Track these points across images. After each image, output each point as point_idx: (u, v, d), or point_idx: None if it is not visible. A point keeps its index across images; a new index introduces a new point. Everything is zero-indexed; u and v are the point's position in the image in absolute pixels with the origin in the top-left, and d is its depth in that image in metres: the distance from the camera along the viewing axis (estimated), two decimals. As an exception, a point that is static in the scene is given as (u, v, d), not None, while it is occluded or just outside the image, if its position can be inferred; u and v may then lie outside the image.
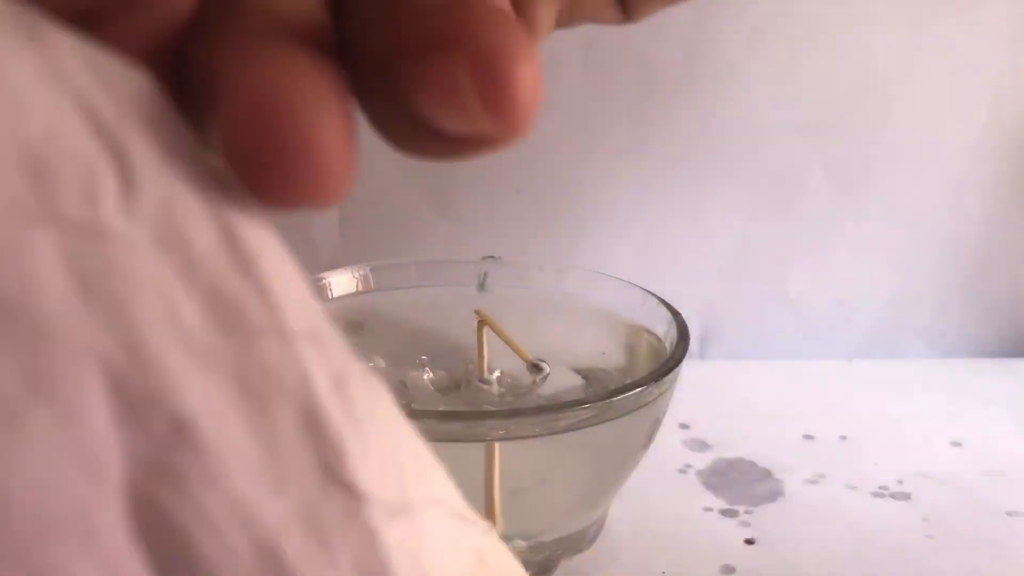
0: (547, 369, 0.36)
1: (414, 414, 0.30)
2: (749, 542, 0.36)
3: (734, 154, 0.49)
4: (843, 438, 0.43)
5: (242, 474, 0.12)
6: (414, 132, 0.14)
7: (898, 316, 0.52)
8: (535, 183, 0.49)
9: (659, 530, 0.36)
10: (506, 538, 0.31)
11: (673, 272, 0.50)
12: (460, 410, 0.35)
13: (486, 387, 0.37)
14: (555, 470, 0.31)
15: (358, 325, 0.39)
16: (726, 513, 0.37)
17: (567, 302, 0.39)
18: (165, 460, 0.11)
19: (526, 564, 0.32)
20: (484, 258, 0.40)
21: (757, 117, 0.48)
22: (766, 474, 0.40)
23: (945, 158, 0.50)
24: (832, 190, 0.49)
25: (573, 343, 0.38)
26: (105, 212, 0.11)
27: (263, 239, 0.13)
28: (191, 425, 0.11)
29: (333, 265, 0.48)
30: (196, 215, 0.12)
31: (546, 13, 0.17)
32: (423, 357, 0.38)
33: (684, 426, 0.44)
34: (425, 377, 0.37)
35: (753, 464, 0.41)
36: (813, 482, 0.40)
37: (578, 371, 0.37)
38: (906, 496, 0.39)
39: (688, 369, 0.33)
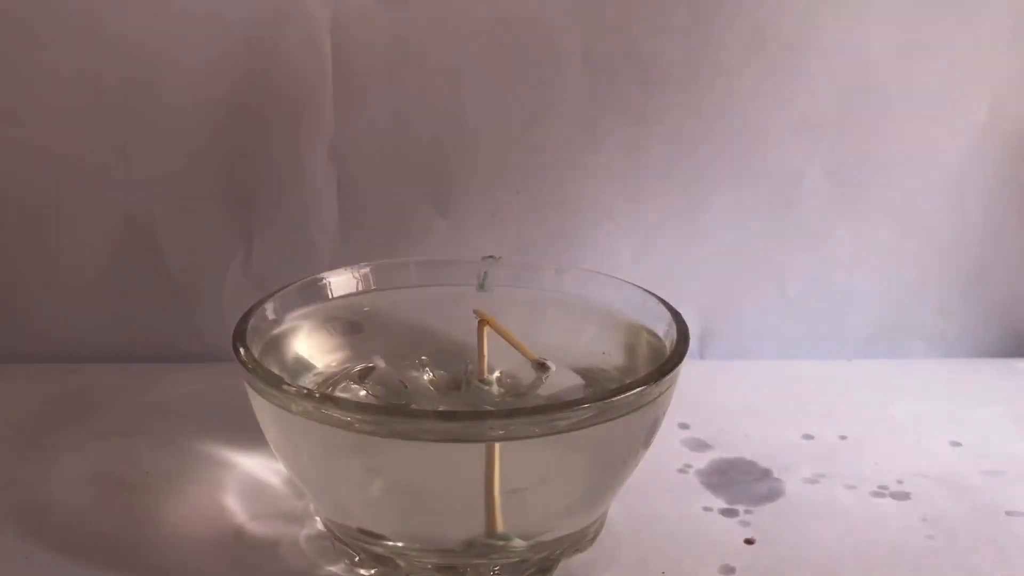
0: (553, 367, 0.36)
1: (414, 414, 0.30)
2: (749, 542, 0.36)
3: (734, 154, 0.49)
4: (843, 438, 0.43)
5: None
6: None
7: (898, 316, 0.52)
8: (535, 183, 0.49)
9: (659, 530, 0.36)
10: (506, 538, 0.31)
11: (673, 272, 0.50)
12: (460, 410, 0.35)
13: (486, 387, 0.37)
14: (555, 470, 0.31)
15: (358, 325, 0.39)
16: (726, 513, 0.37)
17: (567, 302, 0.39)
18: None
19: (526, 564, 0.32)
20: (484, 258, 0.40)
21: (757, 117, 0.48)
22: (766, 474, 0.40)
23: (945, 158, 0.50)
24: (832, 190, 0.49)
25: (573, 343, 0.38)
26: None
27: None
28: None
29: (333, 265, 0.48)
30: None
31: None
32: (423, 357, 0.38)
33: (684, 426, 0.44)
34: (425, 377, 0.37)
35: (753, 464, 0.41)
36: (813, 482, 0.40)
37: (578, 371, 0.37)
38: (906, 496, 0.39)
39: (688, 369, 0.33)
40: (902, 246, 0.51)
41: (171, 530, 0.36)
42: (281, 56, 0.46)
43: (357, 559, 0.33)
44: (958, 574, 0.34)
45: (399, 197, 0.49)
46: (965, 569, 0.34)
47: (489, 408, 0.35)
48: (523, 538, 0.31)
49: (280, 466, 0.37)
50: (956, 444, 0.43)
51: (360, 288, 0.39)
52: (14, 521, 0.36)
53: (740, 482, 0.40)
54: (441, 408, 0.36)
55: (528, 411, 0.30)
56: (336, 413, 0.29)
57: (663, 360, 0.32)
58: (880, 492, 0.39)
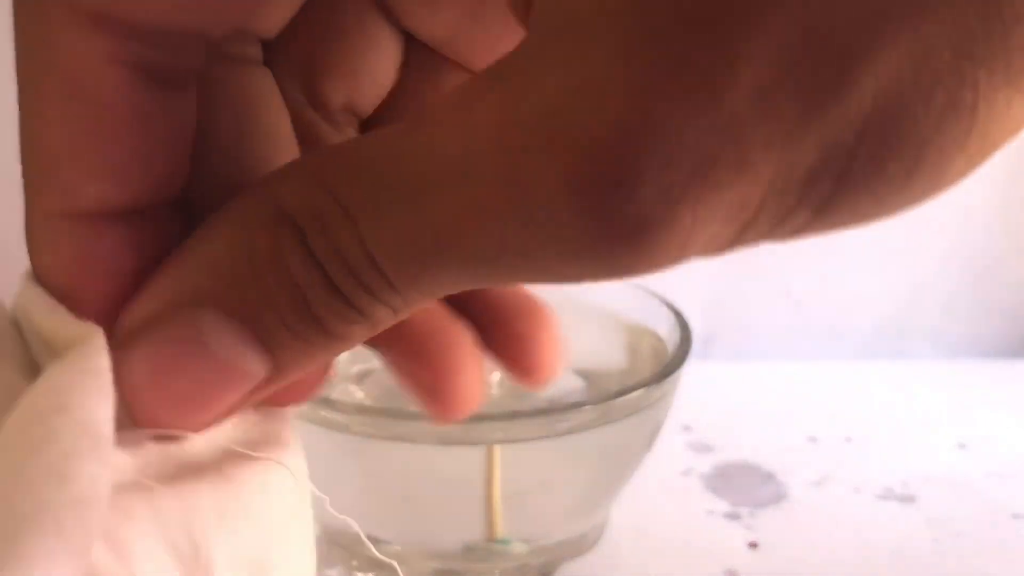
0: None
1: (414, 416, 0.30)
2: (752, 545, 0.35)
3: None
4: (847, 440, 0.43)
5: None
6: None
7: (903, 317, 0.52)
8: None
9: (661, 533, 0.36)
10: (506, 542, 0.31)
11: (675, 272, 0.49)
12: (460, 412, 0.35)
13: (486, 389, 0.36)
14: (556, 473, 0.31)
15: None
16: (729, 516, 0.37)
17: (567, 302, 0.39)
18: None
19: (527, 567, 0.32)
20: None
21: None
22: (769, 476, 0.40)
23: (950, 157, 0.49)
24: (836, 190, 0.49)
25: (574, 344, 0.37)
26: None
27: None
28: None
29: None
30: None
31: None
32: (423, 358, 0.37)
33: (686, 428, 0.43)
34: (425, 379, 0.37)
35: (756, 466, 0.41)
36: (817, 484, 0.39)
37: (579, 373, 0.36)
38: (911, 498, 0.39)
39: (690, 370, 0.32)
40: (907, 247, 0.51)
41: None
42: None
43: (355, 563, 0.32)
44: (965, 578, 0.34)
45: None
46: (971, 571, 0.34)
47: (489, 410, 0.35)
48: (524, 542, 0.31)
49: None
50: (962, 446, 0.43)
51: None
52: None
53: (743, 485, 0.39)
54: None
55: (529, 413, 0.29)
56: (334, 415, 0.29)
57: (665, 362, 0.32)
58: (885, 494, 0.39)
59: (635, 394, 0.30)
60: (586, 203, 0.12)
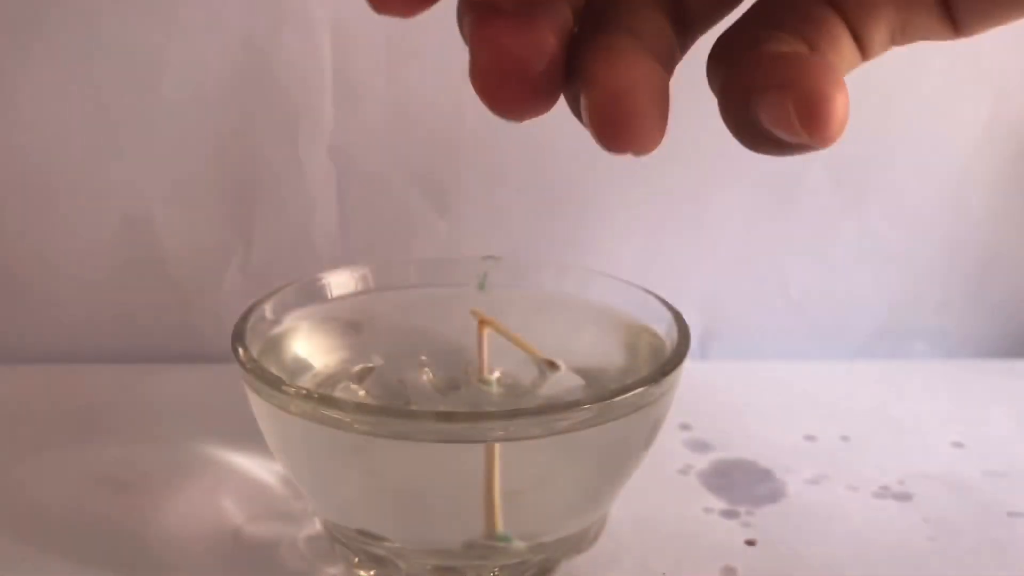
0: (563, 366, 0.36)
1: (414, 414, 0.30)
2: (750, 543, 0.36)
3: (735, 154, 0.48)
4: (845, 439, 0.43)
5: None
6: (760, 138, 0.20)
7: (900, 316, 0.52)
8: (535, 183, 0.49)
9: (660, 531, 0.36)
10: (506, 539, 0.31)
11: (674, 272, 0.50)
12: (460, 410, 0.35)
13: (486, 387, 0.37)
14: (555, 471, 0.31)
15: (357, 325, 0.39)
16: (727, 514, 0.37)
17: (567, 302, 0.39)
18: None
19: (526, 565, 0.32)
20: (484, 258, 0.40)
21: (758, 117, 0.48)
22: (767, 475, 0.40)
23: (947, 156, 0.49)
24: (833, 189, 0.49)
25: (573, 343, 0.38)
26: None
27: None
28: None
29: (333, 265, 0.48)
30: None
31: (878, 36, 0.22)
32: (423, 357, 0.38)
33: (685, 426, 0.44)
34: (425, 377, 0.37)
35: (754, 465, 0.41)
36: (814, 483, 0.40)
37: (578, 371, 0.36)
38: (908, 497, 0.39)
39: (689, 369, 0.33)
40: (904, 246, 0.51)
41: (169, 531, 0.36)
42: (281, 56, 0.46)
43: (356, 560, 0.33)
44: (960, 575, 0.34)
45: (399, 197, 0.48)
46: (967, 570, 0.34)
47: (489, 409, 0.35)
48: (523, 539, 0.31)
49: (279, 467, 0.37)
50: (959, 445, 0.43)
51: (360, 288, 0.39)
52: (13, 521, 0.36)
53: (741, 483, 0.39)
54: (441, 408, 0.36)
55: (528, 412, 0.30)
56: (335, 414, 0.29)
57: (664, 360, 0.32)
58: (882, 493, 0.39)
59: (634, 393, 0.30)
60: None
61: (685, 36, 0.24)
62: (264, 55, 0.46)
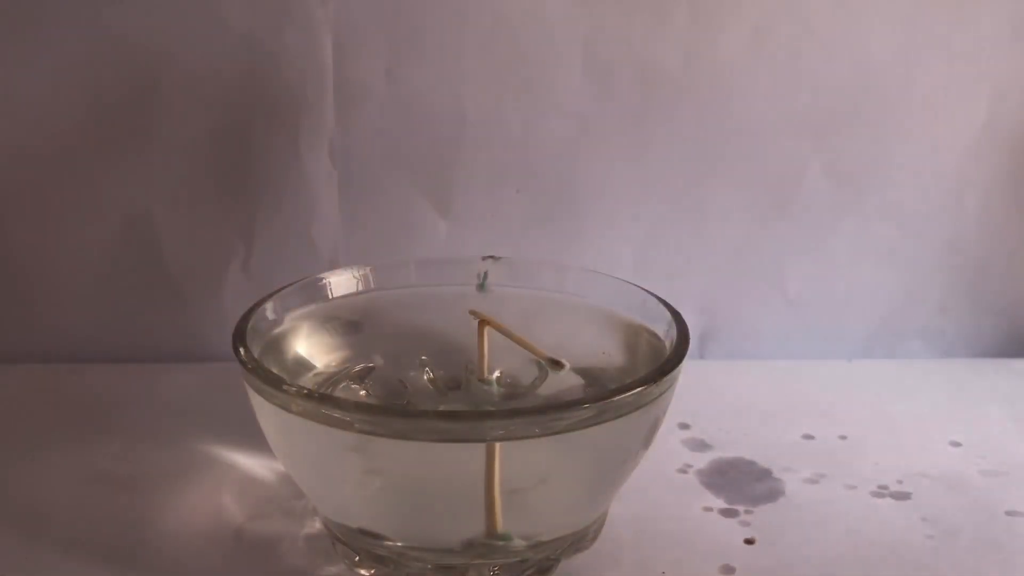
0: (568, 365, 0.36)
1: (414, 414, 0.30)
2: (749, 542, 0.36)
3: (734, 154, 0.49)
4: (843, 438, 0.43)
5: None
6: None
7: (898, 316, 0.52)
8: (535, 183, 0.49)
9: (659, 530, 0.36)
10: (506, 538, 0.31)
11: (673, 272, 0.50)
12: (460, 410, 0.35)
13: (486, 387, 0.37)
14: (555, 470, 0.31)
15: (358, 325, 0.39)
16: (726, 513, 0.37)
17: (567, 302, 0.39)
18: None
19: (526, 563, 0.32)
20: (484, 258, 0.40)
21: (757, 117, 0.48)
22: (766, 474, 0.40)
23: (945, 157, 0.50)
24: (832, 190, 0.49)
25: (573, 343, 0.38)
26: None
27: None
28: None
29: (333, 265, 0.48)
30: None
31: None
32: (423, 357, 0.38)
33: (684, 426, 0.44)
34: (425, 377, 0.37)
35: (753, 464, 0.41)
36: (813, 482, 0.40)
37: (578, 371, 0.37)
38: (906, 496, 0.39)
39: (688, 369, 0.33)
40: (902, 246, 0.51)
41: (170, 530, 0.36)
42: (281, 56, 0.46)
43: (357, 559, 0.33)
44: (958, 574, 0.34)
45: (399, 197, 0.49)
46: (965, 569, 0.34)
47: (489, 408, 0.35)
48: (523, 538, 0.31)
49: (279, 466, 0.37)
50: (956, 444, 0.43)
51: (360, 288, 0.39)
52: (14, 521, 0.36)
53: (740, 482, 0.40)
54: (441, 408, 0.36)
55: (528, 411, 0.30)
56: (336, 413, 0.29)
57: (663, 360, 0.32)
58: (880, 492, 0.39)
59: (633, 392, 0.30)
60: None
61: None
62: (265, 55, 0.46)
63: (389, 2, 0.46)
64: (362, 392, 0.36)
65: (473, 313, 0.37)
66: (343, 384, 0.36)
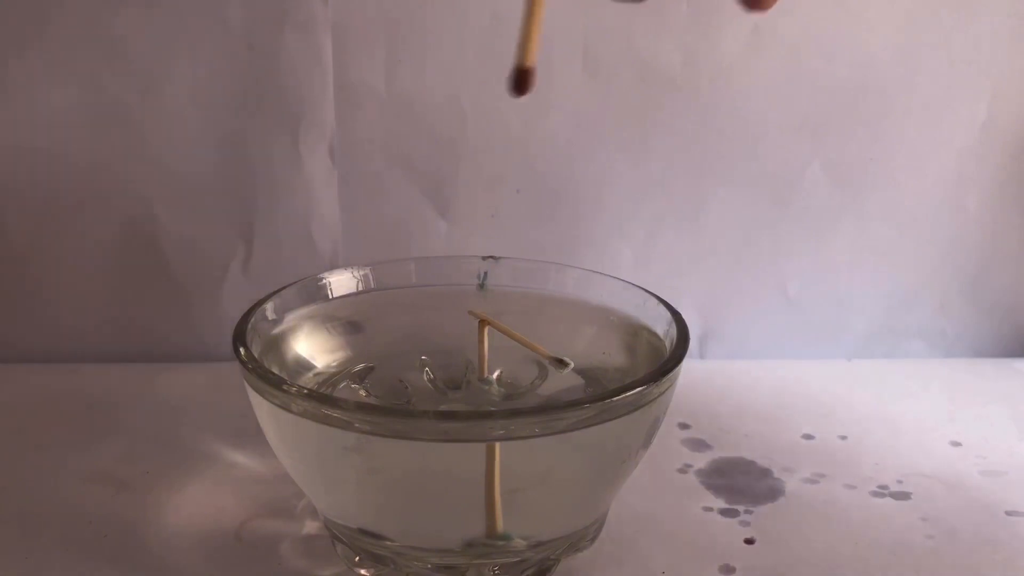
0: (572, 364, 0.36)
1: (414, 414, 0.30)
2: (749, 542, 0.36)
3: (733, 154, 0.49)
4: (843, 438, 0.43)
5: None
6: None
7: (898, 316, 0.52)
8: (535, 183, 0.49)
9: (659, 529, 0.36)
10: (506, 537, 0.31)
11: (673, 272, 0.50)
12: (460, 410, 0.35)
13: (486, 387, 0.37)
14: (555, 470, 0.31)
15: (358, 325, 0.39)
16: (726, 513, 0.38)
17: (567, 302, 0.39)
18: None
19: (526, 563, 0.32)
20: (484, 258, 0.40)
21: (757, 117, 0.48)
22: (766, 474, 0.40)
23: (945, 157, 0.50)
24: (831, 190, 0.50)
25: (573, 343, 0.38)
26: None
27: None
28: None
29: (333, 265, 0.48)
30: None
31: None
32: (423, 357, 0.38)
33: (684, 426, 0.44)
34: (425, 377, 0.37)
35: (753, 464, 0.41)
36: (813, 482, 0.40)
37: (578, 371, 0.37)
38: (906, 496, 0.39)
39: (688, 369, 0.33)
40: (902, 246, 0.51)
41: (171, 530, 0.36)
42: (282, 56, 0.46)
43: (357, 559, 0.33)
44: (958, 574, 0.34)
45: (399, 197, 0.49)
46: (965, 569, 0.34)
47: (489, 408, 0.35)
48: (523, 537, 0.31)
49: (279, 466, 0.37)
50: (956, 444, 0.43)
51: (360, 288, 0.39)
52: (14, 521, 0.36)
53: (740, 482, 0.40)
54: (441, 408, 0.36)
55: (528, 411, 0.30)
56: (336, 413, 0.29)
57: (663, 360, 0.32)
58: (880, 492, 0.39)
59: (633, 392, 0.30)
60: None
61: None
62: (266, 56, 0.46)
63: (389, 2, 0.46)
64: (362, 392, 0.36)
65: (473, 313, 0.37)
66: (343, 384, 0.36)
